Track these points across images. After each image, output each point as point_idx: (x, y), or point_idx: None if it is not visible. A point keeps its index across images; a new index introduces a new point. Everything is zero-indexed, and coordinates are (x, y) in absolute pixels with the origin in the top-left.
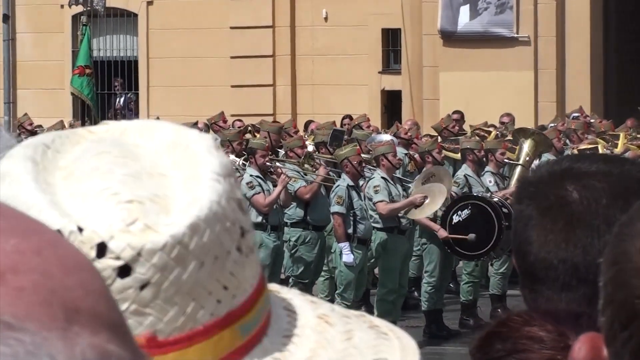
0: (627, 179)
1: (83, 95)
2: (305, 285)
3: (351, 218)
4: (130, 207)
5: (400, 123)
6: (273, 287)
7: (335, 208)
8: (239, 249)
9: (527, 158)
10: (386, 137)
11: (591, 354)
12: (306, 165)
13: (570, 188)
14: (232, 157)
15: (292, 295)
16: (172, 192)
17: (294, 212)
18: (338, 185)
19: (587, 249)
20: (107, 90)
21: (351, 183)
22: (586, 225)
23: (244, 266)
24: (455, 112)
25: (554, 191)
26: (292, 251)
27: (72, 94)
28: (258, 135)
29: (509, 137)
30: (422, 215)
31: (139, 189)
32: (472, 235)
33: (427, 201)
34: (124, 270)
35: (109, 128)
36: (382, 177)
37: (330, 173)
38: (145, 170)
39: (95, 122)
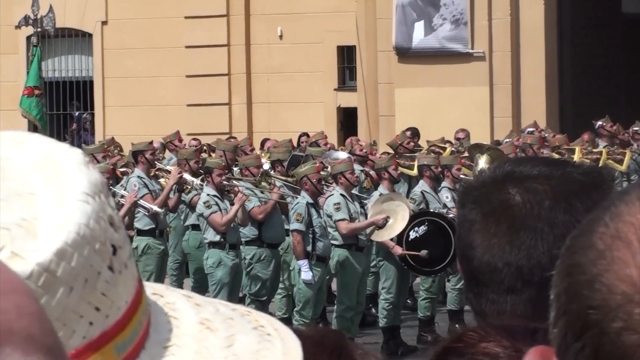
0: (569, 181)
1: (31, 116)
2: (262, 303)
3: (310, 236)
4: None
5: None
6: (158, 288)
7: (294, 225)
8: (110, 268)
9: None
10: (342, 154)
11: None
12: (263, 183)
13: (513, 191)
14: (189, 176)
15: (175, 298)
16: (41, 213)
17: (248, 230)
18: (297, 203)
19: (530, 251)
20: (63, 111)
21: (310, 200)
22: (529, 228)
23: (116, 284)
24: (408, 128)
25: (496, 195)
26: (248, 269)
27: (22, 115)
28: (214, 155)
29: (465, 153)
30: (387, 236)
31: (7, 214)
32: (424, 252)
33: (390, 221)
34: None
35: None
36: (341, 195)
37: (284, 190)
38: (14, 191)
39: None
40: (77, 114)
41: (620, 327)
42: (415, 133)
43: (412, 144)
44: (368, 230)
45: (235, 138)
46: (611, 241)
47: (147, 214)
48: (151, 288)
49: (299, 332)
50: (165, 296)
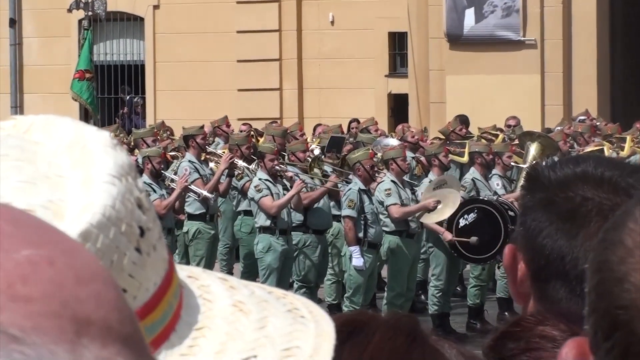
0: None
1: (82, 100)
2: (310, 289)
3: (362, 222)
4: None
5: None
6: (194, 271)
7: (346, 211)
8: (138, 249)
9: (534, 161)
10: (393, 141)
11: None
12: (315, 170)
13: (589, 193)
14: (240, 161)
15: (211, 281)
16: (68, 195)
17: (293, 216)
18: (350, 189)
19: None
20: (114, 95)
21: (363, 187)
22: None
23: (144, 266)
24: (458, 116)
25: (570, 194)
26: (296, 254)
27: (73, 98)
28: (261, 140)
29: (516, 141)
30: (436, 219)
31: (33, 196)
32: (474, 239)
33: (440, 206)
34: None
35: (16, 123)
36: (392, 181)
37: (337, 180)
38: (41, 174)
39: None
40: (128, 97)
41: None
42: (464, 121)
43: (464, 130)
44: (417, 214)
45: (276, 122)
46: None
47: (197, 198)
48: (187, 271)
49: (375, 317)
50: (200, 279)
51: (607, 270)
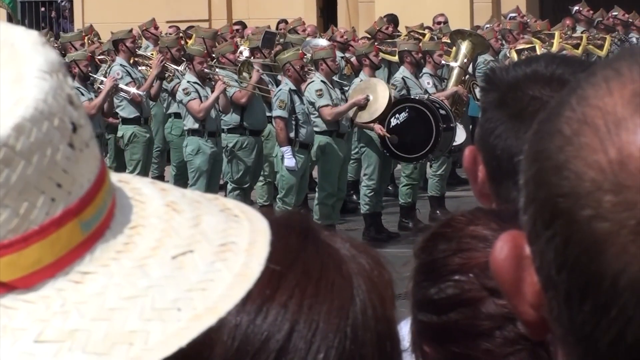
0: None
1: (3, 4)
2: (244, 190)
3: (293, 122)
4: None
5: (336, 27)
6: (123, 177)
7: (277, 112)
8: (71, 145)
9: (465, 60)
10: (322, 41)
11: (513, 253)
12: (244, 74)
13: (543, 93)
14: (171, 64)
15: (142, 184)
16: (0, 93)
17: (230, 117)
18: (280, 90)
19: None
20: None
21: (293, 87)
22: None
23: (77, 162)
24: (386, 15)
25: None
26: (230, 157)
27: None
28: (190, 42)
29: (446, 39)
30: (368, 118)
31: None
32: (394, 137)
33: (370, 98)
34: None
35: None
36: (322, 81)
37: (264, 78)
38: None
39: None
40: (56, 1)
41: (590, 215)
42: (392, 20)
43: (390, 29)
44: (351, 114)
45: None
46: (578, 126)
47: (128, 97)
48: (117, 176)
49: (265, 215)
50: (131, 183)
51: (546, 159)
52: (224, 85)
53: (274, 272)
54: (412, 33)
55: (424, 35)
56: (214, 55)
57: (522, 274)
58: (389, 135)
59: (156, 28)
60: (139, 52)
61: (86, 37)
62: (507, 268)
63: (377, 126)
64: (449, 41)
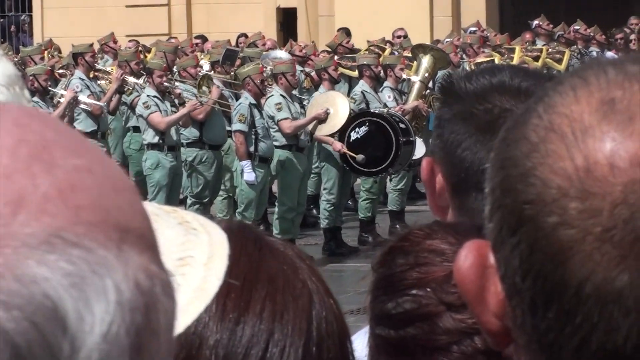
0: None
1: None
2: (204, 205)
3: (253, 136)
4: None
5: (296, 41)
6: None
7: (237, 126)
8: None
9: (426, 74)
10: (282, 53)
11: (477, 261)
12: (204, 88)
13: (506, 103)
14: (130, 78)
15: None
16: None
17: (189, 132)
18: (240, 104)
19: None
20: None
21: (253, 101)
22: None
23: None
24: (340, 28)
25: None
26: (189, 171)
27: None
28: (149, 55)
29: (407, 53)
30: (328, 131)
31: None
32: (361, 157)
33: (331, 112)
34: None
35: None
36: (281, 95)
37: (224, 93)
38: None
39: None
40: (15, 15)
41: (556, 222)
42: (346, 33)
43: (351, 43)
44: (310, 127)
45: (175, 38)
46: (545, 133)
47: (88, 109)
48: None
49: (221, 226)
50: None
51: (512, 166)
52: (196, 104)
53: (244, 284)
54: (372, 47)
55: (384, 49)
56: (174, 69)
57: (486, 283)
58: (354, 155)
59: (115, 42)
60: (98, 66)
61: (46, 51)
62: (471, 277)
63: (337, 144)
64: (410, 55)
